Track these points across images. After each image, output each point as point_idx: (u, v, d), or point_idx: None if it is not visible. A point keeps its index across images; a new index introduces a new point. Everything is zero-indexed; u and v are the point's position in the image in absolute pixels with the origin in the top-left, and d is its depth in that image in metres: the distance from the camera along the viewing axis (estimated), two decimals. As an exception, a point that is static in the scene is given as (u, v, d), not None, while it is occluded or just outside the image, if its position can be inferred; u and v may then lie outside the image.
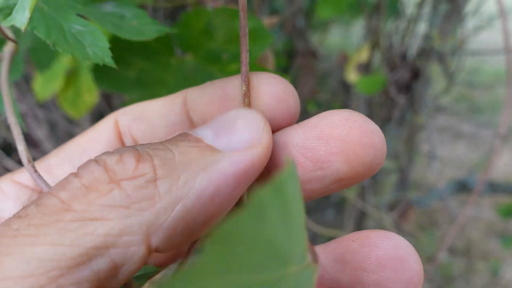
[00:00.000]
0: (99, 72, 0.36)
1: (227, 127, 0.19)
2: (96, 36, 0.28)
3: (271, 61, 0.47)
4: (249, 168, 0.18)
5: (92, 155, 0.20)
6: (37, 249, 0.14)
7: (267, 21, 0.47)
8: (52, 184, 0.21)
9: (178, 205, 0.16)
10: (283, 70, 1.10)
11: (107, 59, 0.27)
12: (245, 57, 0.23)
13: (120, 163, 0.17)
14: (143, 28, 0.33)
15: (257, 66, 0.39)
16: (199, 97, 0.23)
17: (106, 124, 0.24)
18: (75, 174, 0.17)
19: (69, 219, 0.15)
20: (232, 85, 0.22)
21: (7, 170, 0.75)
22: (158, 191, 0.16)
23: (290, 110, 0.21)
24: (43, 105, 0.78)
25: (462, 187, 0.96)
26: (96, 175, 0.16)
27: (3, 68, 0.27)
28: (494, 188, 0.92)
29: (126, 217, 0.16)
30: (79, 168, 0.17)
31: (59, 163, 0.24)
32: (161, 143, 0.18)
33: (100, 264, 0.15)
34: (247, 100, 0.22)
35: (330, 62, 1.45)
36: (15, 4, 0.18)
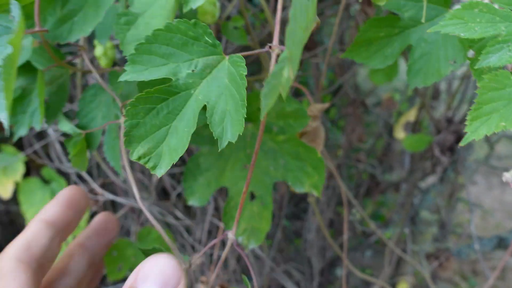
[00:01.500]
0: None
1: None
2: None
3: (322, 136, 0.51)
4: None
5: None
6: None
7: (319, 106, 0.53)
8: None
9: None
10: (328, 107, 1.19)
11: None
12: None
13: None
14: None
15: (304, 144, 0.48)
16: None
17: None
18: None
19: None
20: None
21: (91, 192, 0.88)
22: None
23: None
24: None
25: (502, 244, 0.98)
26: None
27: (121, 146, 0.36)
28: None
29: None
30: None
31: None
32: None
33: None
34: None
35: (374, 99, 1.49)
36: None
